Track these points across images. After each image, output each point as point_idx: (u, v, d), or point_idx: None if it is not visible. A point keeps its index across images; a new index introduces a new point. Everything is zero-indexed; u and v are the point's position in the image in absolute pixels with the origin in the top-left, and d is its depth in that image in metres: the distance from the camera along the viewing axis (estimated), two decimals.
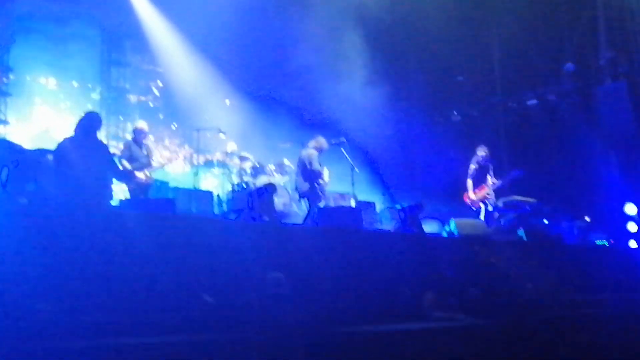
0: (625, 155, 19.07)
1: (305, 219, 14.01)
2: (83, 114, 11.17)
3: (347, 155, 15.21)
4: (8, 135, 16.88)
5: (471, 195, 16.43)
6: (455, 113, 23.44)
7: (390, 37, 20.39)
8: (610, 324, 10.72)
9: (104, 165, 10.80)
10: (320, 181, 14.40)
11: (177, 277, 8.52)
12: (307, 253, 10.24)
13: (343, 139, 15.70)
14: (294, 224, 14.20)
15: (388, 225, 16.75)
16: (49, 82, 19.20)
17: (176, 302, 8.24)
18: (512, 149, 22.36)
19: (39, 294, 7.19)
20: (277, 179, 16.75)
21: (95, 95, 20.34)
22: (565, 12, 20.71)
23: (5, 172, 9.62)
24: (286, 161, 17.39)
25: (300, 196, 14.84)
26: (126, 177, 12.73)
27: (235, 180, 16.80)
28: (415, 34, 20.62)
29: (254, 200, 13.18)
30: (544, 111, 21.90)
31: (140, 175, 13.18)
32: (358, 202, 15.91)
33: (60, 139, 10.84)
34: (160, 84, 21.39)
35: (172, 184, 15.63)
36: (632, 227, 17.33)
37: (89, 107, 18.44)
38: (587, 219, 18.23)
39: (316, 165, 14.37)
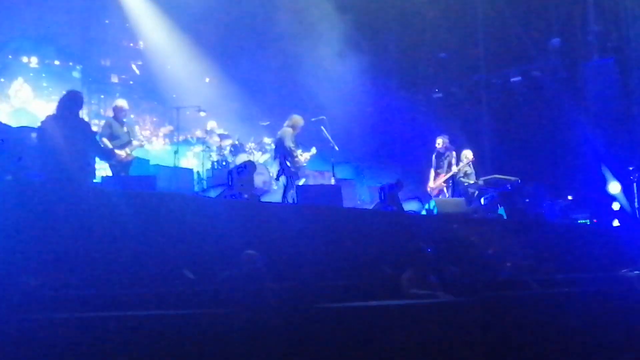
0: (612, 134, 19.00)
1: (283, 196, 14.00)
2: (65, 93, 11.10)
3: (327, 133, 15.17)
4: None
5: (430, 184, 16.50)
6: (437, 90, 23.36)
7: (372, 12, 20.27)
8: (590, 302, 10.78)
9: (86, 143, 10.75)
10: (295, 159, 14.27)
11: (158, 253, 8.54)
12: (286, 230, 10.26)
13: (323, 117, 15.64)
14: (273, 202, 14.20)
15: (367, 203, 16.79)
16: (31, 61, 19.05)
17: (157, 278, 8.26)
18: (495, 126, 22.29)
19: (23, 268, 7.28)
20: (257, 157, 16.75)
21: (76, 74, 20.21)
22: None
23: None
24: (266, 139, 17.39)
25: (277, 175, 14.77)
26: (108, 155, 12.68)
27: (215, 158, 16.77)
28: (397, 10, 20.49)
29: (234, 177, 13.15)
30: (529, 88, 21.75)
31: (120, 153, 13.11)
32: (337, 180, 15.89)
33: (43, 117, 10.80)
34: (140, 62, 21.27)
35: (152, 161, 15.57)
36: (615, 206, 17.33)
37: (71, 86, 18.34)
38: (570, 197, 18.29)
39: (288, 143, 14.24)
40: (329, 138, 15.02)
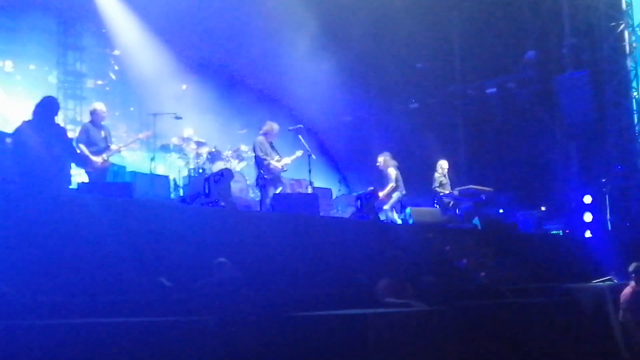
0: (585, 146, 19.19)
1: (260, 205, 13.99)
2: (41, 98, 11.06)
3: (304, 142, 15.19)
4: None
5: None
6: (413, 100, 23.48)
7: (349, 23, 20.34)
8: (562, 312, 10.90)
9: (62, 149, 10.69)
10: (271, 167, 14.19)
11: (134, 260, 8.53)
12: (263, 238, 10.29)
13: (300, 126, 15.66)
14: (249, 210, 14.20)
15: (344, 212, 16.84)
16: (6, 64, 18.95)
17: (133, 285, 8.25)
18: (471, 137, 22.46)
19: None
20: (234, 165, 16.72)
21: (52, 79, 20.13)
22: None
23: None
24: (243, 147, 17.33)
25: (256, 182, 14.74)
26: (84, 161, 12.61)
27: (192, 165, 16.74)
28: (374, 20, 20.57)
29: (211, 185, 13.13)
30: (504, 99, 21.98)
31: (97, 159, 13.01)
32: (314, 189, 15.92)
33: (18, 123, 10.75)
34: (117, 68, 21.22)
35: (129, 168, 15.52)
36: (588, 217, 17.48)
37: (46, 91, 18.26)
38: (543, 208, 18.45)
39: (257, 152, 14.20)
40: (307, 147, 15.02)
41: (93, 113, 13.60)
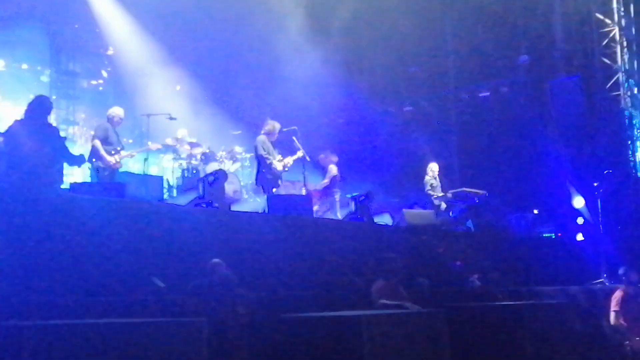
0: (577, 149, 19.25)
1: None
2: (33, 97, 11.04)
3: (298, 144, 15.18)
4: None
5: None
6: (407, 103, 23.51)
7: (344, 26, 20.34)
8: (555, 314, 10.92)
9: (54, 148, 10.68)
10: (272, 166, 14.19)
11: (127, 261, 8.51)
12: (257, 240, 10.29)
13: (294, 127, 15.64)
14: (243, 211, 14.19)
15: (339, 213, 16.84)
16: None
17: (126, 286, 8.23)
18: (463, 140, 22.50)
19: None
20: (228, 166, 16.69)
21: (45, 78, 20.07)
22: (521, 4, 20.75)
23: None
24: (237, 148, 17.31)
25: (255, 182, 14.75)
26: (77, 161, 12.57)
27: (185, 166, 16.71)
28: (369, 24, 20.59)
29: (204, 186, 13.11)
30: (496, 103, 22.02)
31: (111, 159, 13.10)
32: (309, 190, 15.91)
33: (10, 122, 10.73)
34: (110, 68, 21.17)
35: (122, 168, 15.51)
36: (580, 220, 17.53)
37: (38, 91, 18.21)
38: (536, 211, 18.48)
39: (260, 151, 14.20)
40: (301, 148, 15.01)
41: (112, 117, 13.66)
